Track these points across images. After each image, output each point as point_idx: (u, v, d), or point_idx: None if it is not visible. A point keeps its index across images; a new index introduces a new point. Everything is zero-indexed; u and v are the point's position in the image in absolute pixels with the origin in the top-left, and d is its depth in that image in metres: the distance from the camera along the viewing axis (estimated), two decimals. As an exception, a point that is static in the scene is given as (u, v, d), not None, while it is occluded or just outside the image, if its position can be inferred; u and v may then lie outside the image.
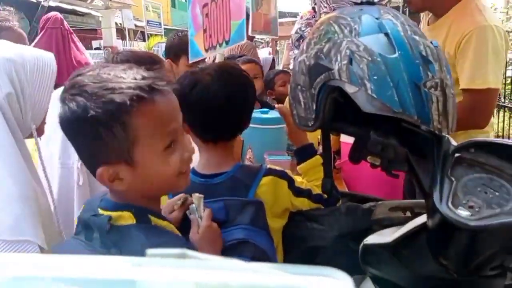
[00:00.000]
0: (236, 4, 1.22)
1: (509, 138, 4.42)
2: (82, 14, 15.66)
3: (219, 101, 1.09)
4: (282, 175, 1.15)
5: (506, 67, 4.45)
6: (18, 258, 0.35)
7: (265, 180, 1.11)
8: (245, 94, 1.14)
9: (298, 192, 1.17)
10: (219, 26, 1.24)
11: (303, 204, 1.18)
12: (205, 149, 1.15)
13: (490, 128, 1.81)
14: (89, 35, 15.05)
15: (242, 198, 1.07)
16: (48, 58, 1.09)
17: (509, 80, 4.60)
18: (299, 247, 1.17)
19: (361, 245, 0.95)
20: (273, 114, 2.21)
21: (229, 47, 1.30)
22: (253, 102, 1.19)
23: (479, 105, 1.61)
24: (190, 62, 1.17)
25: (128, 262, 0.35)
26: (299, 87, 0.99)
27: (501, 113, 4.53)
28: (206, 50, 1.24)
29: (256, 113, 2.17)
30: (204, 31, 1.23)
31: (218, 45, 1.24)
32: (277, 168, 1.18)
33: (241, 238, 0.99)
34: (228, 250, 0.97)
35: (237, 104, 1.10)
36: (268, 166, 1.17)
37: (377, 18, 0.89)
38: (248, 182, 1.10)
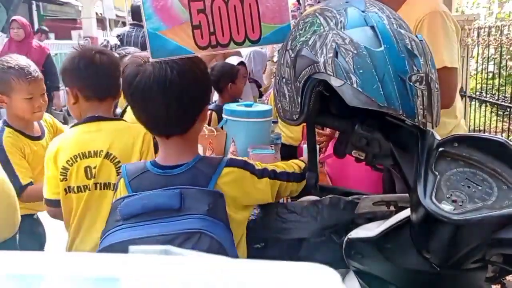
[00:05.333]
0: (269, 8, 1.21)
1: (490, 132, 4.51)
2: (61, 3, 15.34)
3: (153, 94, 1.03)
4: (243, 165, 1.12)
5: (488, 61, 4.53)
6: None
7: (226, 171, 1.08)
8: (190, 88, 1.06)
9: (260, 173, 1.14)
10: (234, 25, 1.20)
11: (266, 185, 1.14)
12: (162, 142, 1.12)
13: (460, 114, 1.85)
14: (69, 25, 14.74)
15: (201, 188, 1.03)
16: None
17: (490, 75, 4.68)
18: (282, 240, 1.16)
19: (345, 239, 0.95)
20: (257, 107, 2.21)
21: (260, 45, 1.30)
22: (202, 96, 1.12)
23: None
24: (153, 60, 1.09)
25: (113, 259, 0.34)
26: (284, 79, 0.98)
27: (483, 107, 4.61)
28: (202, 48, 1.20)
29: (240, 106, 2.16)
30: (196, 27, 1.18)
31: (232, 43, 1.20)
32: (238, 158, 1.16)
33: (197, 228, 0.95)
34: (182, 240, 0.94)
35: (177, 98, 1.04)
36: (230, 157, 1.15)
37: (363, 11, 0.89)
38: (208, 173, 1.06)
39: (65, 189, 1.49)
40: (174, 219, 0.98)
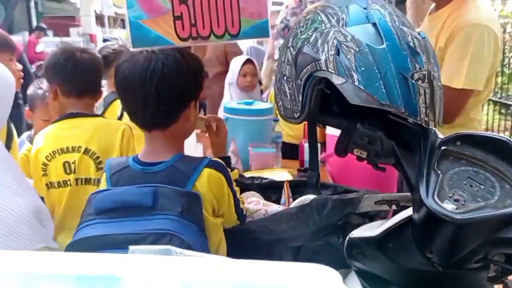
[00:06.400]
0: (248, 3, 1.21)
1: (493, 131, 4.51)
2: (60, 1, 15.32)
3: (135, 82, 1.03)
4: (223, 170, 1.09)
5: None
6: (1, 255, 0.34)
7: (206, 172, 1.05)
8: (173, 80, 1.04)
9: (234, 194, 1.13)
10: (214, 18, 1.20)
11: (230, 209, 1.13)
12: (145, 136, 1.11)
13: (478, 124, 1.83)
14: (67, 22, 14.74)
15: (177, 188, 1.01)
16: (8, 72, 1.04)
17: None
18: (277, 251, 1.14)
19: (347, 238, 0.95)
20: (258, 105, 2.20)
21: (237, 40, 1.32)
22: (187, 91, 1.10)
23: (449, 101, 1.63)
24: (134, 49, 1.10)
25: (113, 259, 0.34)
26: (285, 77, 0.98)
27: (486, 106, 4.62)
28: (183, 39, 1.20)
29: (241, 104, 2.16)
30: (178, 18, 1.18)
31: (213, 36, 1.20)
32: (220, 161, 1.13)
33: (167, 229, 0.93)
34: (152, 240, 0.91)
35: (157, 88, 1.02)
36: (212, 158, 1.12)
37: (364, 8, 0.88)
38: (187, 173, 1.04)
39: (46, 185, 1.52)
40: (146, 218, 0.95)
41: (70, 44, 1.68)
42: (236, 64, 2.89)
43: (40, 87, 1.96)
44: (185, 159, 1.08)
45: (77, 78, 1.56)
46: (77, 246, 0.95)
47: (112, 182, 1.06)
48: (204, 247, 0.98)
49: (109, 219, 0.98)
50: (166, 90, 1.03)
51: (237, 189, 1.21)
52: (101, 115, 1.75)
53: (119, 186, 1.04)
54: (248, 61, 2.88)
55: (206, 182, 1.04)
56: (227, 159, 1.37)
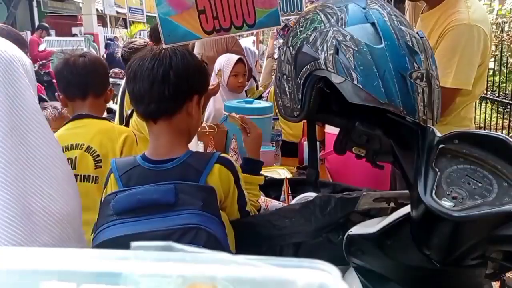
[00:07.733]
0: None
1: (490, 129, 4.52)
2: (62, 0, 15.31)
3: (143, 69, 1.08)
4: (231, 168, 1.13)
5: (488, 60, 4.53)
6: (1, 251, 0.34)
7: (217, 167, 1.09)
8: (179, 68, 1.09)
9: (240, 193, 1.15)
10: (233, 10, 1.23)
11: (233, 205, 1.16)
12: (150, 130, 1.13)
13: (470, 122, 1.84)
14: (69, 21, 14.73)
15: (195, 183, 1.04)
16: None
17: (490, 72, 4.68)
18: (278, 245, 1.14)
19: (346, 235, 0.96)
20: (258, 104, 2.21)
21: (254, 30, 1.37)
22: (191, 82, 1.13)
23: None
24: (166, 45, 1.13)
25: (114, 255, 0.34)
26: (284, 76, 0.99)
27: (483, 104, 4.62)
28: (208, 33, 1.22)
29: (241, 103, 2.17)
30: (201, 12, 1.20)
31: (233, 28, 1.23)
32: (228, 157, 1.17)
33: (194, 223, 0.96)
34: (179, 235, 0.94)
35: (165, 76, 1.07)
36: (221, 154, 1.15)
37: (363, 8, 0.89)
38: (199, 168, 1.07)
39: None
40: (170, 215, 0.98)
41: (70, 53, 1.72)
42: (225, 63, 2.65)
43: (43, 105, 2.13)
44: (195, 155, 1.11)
45: (74, 81, 1.61)
46: (105, 247, 0.96)
47: (124, 182, 1.07)
48: (225, 237, 1.03)
49: (133, 218, 0.99)
50: (171, 77, 1.07)
51: (260, 193, 1.24)
52: (107, 118, 1.76)
53: (131, 185, 1.05)
54: (240, 60, 2.66)
55: (217, 176, 1.08)
56: (256, 164, 1.37)
